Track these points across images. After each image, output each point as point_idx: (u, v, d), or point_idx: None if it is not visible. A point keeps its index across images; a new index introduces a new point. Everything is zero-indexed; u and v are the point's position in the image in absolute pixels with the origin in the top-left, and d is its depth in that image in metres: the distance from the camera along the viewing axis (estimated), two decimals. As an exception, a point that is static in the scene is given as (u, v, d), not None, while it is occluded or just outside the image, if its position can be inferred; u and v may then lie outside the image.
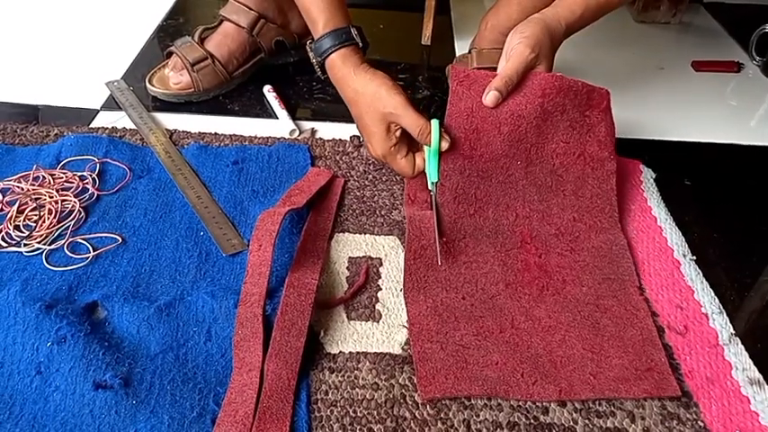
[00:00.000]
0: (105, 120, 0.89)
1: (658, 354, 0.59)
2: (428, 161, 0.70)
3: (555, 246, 0.70)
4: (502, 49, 0.90)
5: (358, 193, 0.77)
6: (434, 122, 0.67)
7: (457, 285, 0.66)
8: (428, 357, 0.58)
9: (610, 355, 0.59)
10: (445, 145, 0.68)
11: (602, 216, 0.72)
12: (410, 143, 0.73)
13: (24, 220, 0.69)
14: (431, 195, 0.69)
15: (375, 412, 0.54)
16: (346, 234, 0.72)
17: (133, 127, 0.86)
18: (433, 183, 0.70)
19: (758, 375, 0.58)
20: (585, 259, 0.69)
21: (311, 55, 0.75)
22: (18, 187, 0.73)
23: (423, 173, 0.75)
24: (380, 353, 0.59)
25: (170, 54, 0.94)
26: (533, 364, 0.58)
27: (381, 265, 0.68)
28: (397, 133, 0.70)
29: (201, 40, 0.94)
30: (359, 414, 0.54)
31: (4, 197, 0.72)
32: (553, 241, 0.70)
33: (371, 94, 0.69)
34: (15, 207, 0.70)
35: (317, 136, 0.87)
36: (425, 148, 0.71)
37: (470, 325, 0.62)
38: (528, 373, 0.57)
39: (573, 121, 0.73)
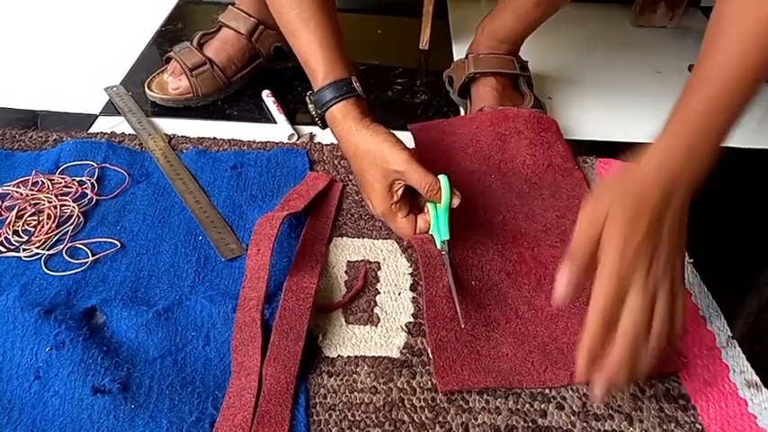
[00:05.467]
0: (104, 125, 0.89)
1: None
2: (436, 219, 0.66)
3: (545, 239, 0.71)
4: (498, 54, 0.91)
5: (356, 198, 0.77)
6: (443, 178, 0.64)
7: (467, 267, 0.67)
8: (444, 347, 0.58)
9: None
10: (456, 201, 0.64)
11: None
12: (411, 203, 0.69)
13: (23, 225, 0.69)
14: (442, 255, 0.64)
15: (373, 416, 0.54)
16: (345, 238, 0.72)
17: (132, 132, 0.86)
18: (443, 241, 0.65)
19: (755, 378, 0.58)
20: None
21: (311, 107, 0.72)
22: (17, 192, 0.73)
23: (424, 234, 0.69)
24: (379, 356, 0.59)
25: (169, 59, 0.94)
26: (542, 353, 0.59)
27: (380, 268, 0.68)
28: (399, 192, 0.66)
29: (200, 46, 0.94)
30: (357, 418, 0.54)
31: (3, 202, 0.72)
32: (542, 236, 0.72)
33: (373, 151, 0.66)
34: (14, 212, 0.70)
35: (316, 141, 0.88)
36: (429, 207, 0.68)
37: (479, 313, 0.62)
38: (538, 362, 0.58)
39: (532, 140, 0.81)
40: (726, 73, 0.50)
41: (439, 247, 0.65)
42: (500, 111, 0.84)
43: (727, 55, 0.50)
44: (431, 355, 0.58)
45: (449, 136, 0.84)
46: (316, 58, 0.69)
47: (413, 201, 0.69)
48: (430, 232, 0.67)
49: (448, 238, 0.65)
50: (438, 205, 0.66)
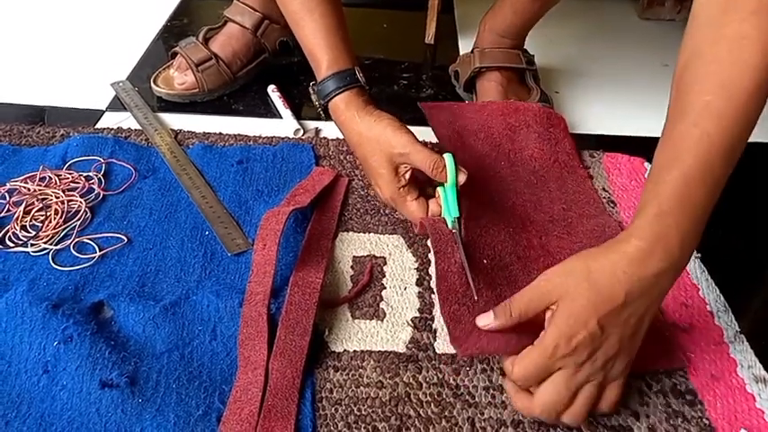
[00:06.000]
0: (111, 120, 0.89)
1: (662, 328, 0.61)
2: (446, 201, 0.66)
3: (552, 230, 0.72)
4: (504, 48, 0.91)
5: (362, 193, 0.77)
6: (448, 156, 0.64)
7: (479, 246, 0.66)
8: (458, 319, 0.57)
9: None
10: (462, 178, 0.64)
11: (589, 206, 0.75)
12: (420, 190, 0.69)
13: (31, 221, 0.70)
14: (454, 234, 0.64)
15: (379, 410, 0.55)
16: (350, 233, 0.72)
17: (138, 127, 0.86)
18: (454, 219, 0.65)
19: (763, 373, 0.58)
20: (582, 240, 0.70)
21: (314, 97, 0.72)
22: (25, 188, 0.73)
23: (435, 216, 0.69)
24: (385, 351, 0.59)
25: (174, 54, 0.94)
26: None
27: (385, 263, 0.68)
28: (407, 175, 0.66)
29: (206, 41, 0.94)
30: (363, 412, 0.54)
31: (10, 198, 0.72)
32: (549, 226, 0.72)
33: (377, 136, 0.66)
34: (22, 207, 0.70)
35: (322, 135, 0.88)
36: (439, 191, 0.67)
37: (491, 292, 0.62)
38: None
39: (540, 134, 0.82)
40: (704, 145, 0.48)
41: (450, 226, 0.65)
42: (510, 103, 0.85)
43: (700, 128, 0.48)
44: (445, 327, 0.56)
45: (460, 119, 0.84)
46: (320, 48, 0.69)
47: (422, 188, 0.69)
48: (442, 215, 0.67)
49: (458, 215, 0.65)
50: (445, 184, 0.65)
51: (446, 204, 0.66)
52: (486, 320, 0.52)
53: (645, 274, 0.47)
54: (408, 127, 0.67)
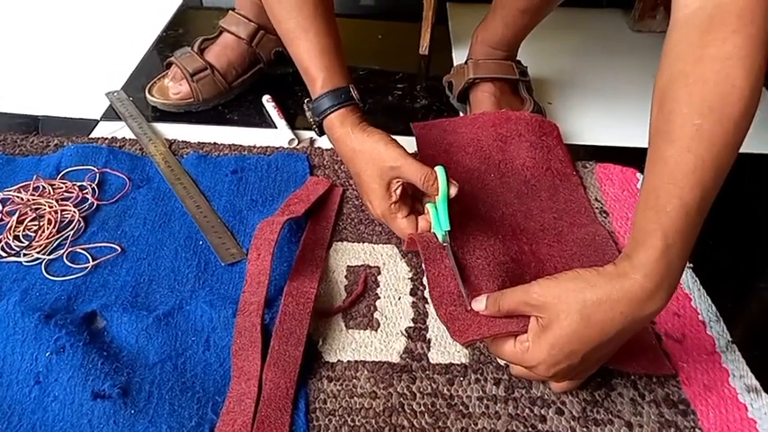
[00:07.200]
0: (105, 130, 0.89)
1: (648, 337, 0.62)
2: (437, 217, 0.65)
3: (542, 238, 0.72)
4: (496, 59, 0.92)
5: (356, 202, 0.77)
6: (439, 169, 0.63)
7: (471, 249, 0.67)
8: (455, 318, 0.57)
9: None
10: (454, 191, 0.64)
11: (580, 215, 0.76)
12: (411, 207, 0.69)
13: (24, 230, 0.70)
14: (445, 248, 0.64)
15: (373, 421, 0.54)
16: (345, 243, 0.72)
17: (133, 137, 0.86)
18: (444, 233, 0.64)
19: (755, 383, 0.58)
20: (572, 248, 0.71)
21: (308, 114, 0.72)
22: (18, 197, 0.73)
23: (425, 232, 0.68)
24: (379, 361, 0.59)
25: (170, 64, 0.95)
26: None
27: (380, 273, 0.68)
28: (398, 191, 0.66)
29: (201, 51, 0.95)
30: (357, 423, 0.54)
31: (3, 207, 0.72)
32: (540, 234, 0.73)
33: (369, 151, 0.66)
34: (15, 217, 0.70)
35: (316, 145, 0.88)
36: (429, 208, 0.66)
37: (492, 283, 0.61)
38: None
39: (532, 143, 0.83)
40: (699, 172, 0.47)
41: (441, 240, 0.65)
42: (502, 113, 0.86)
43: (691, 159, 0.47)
44: (444, 326, 0.57)
45: (450, 134, 0.85)
46: (314, 66, 0.70)
47: (413, 205, 0.69)
48: (431, 231, 0.67)
49: (449, 228, 0.64)
50: (436, 197, 0.65)
51: (436, 219, 0.65)
52: (479, 305, 0.56)
53: (642, 314, 0.48)
54: (400, 140, 0.68)
